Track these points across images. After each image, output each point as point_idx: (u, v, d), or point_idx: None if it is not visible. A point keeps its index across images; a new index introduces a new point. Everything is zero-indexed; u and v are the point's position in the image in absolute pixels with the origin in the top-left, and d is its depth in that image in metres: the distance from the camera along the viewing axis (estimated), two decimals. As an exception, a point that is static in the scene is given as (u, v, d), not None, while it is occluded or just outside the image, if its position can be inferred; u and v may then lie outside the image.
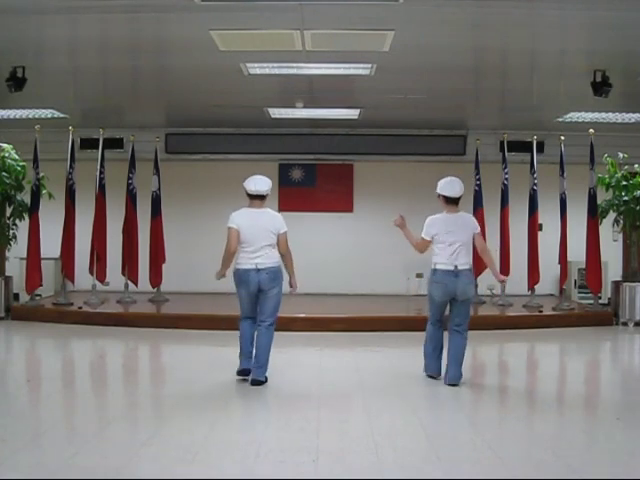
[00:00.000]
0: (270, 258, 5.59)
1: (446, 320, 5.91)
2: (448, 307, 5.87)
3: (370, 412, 4.94)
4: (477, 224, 5.89)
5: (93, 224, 9.93)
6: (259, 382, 5.59)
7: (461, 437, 4.38)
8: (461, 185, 5.84)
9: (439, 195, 5.84)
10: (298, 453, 3.95)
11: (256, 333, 5.75)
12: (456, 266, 5.62)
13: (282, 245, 5.66)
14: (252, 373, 5.64)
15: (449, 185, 5.81)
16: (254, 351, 5.70)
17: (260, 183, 5.69)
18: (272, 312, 5.71)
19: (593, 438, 4.48)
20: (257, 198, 5.68)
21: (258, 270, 5.54)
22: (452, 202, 5.79)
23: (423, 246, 5.82)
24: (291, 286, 5.87)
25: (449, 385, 5.67)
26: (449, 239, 5.66)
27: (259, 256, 5.55)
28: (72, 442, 4.19)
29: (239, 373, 5.73)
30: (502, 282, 6.15)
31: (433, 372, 5.93)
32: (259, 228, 5.59)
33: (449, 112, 10.57)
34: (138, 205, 10.33)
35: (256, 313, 5.75)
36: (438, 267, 5.68)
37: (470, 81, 8.77)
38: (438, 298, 5.75)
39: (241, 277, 5.61)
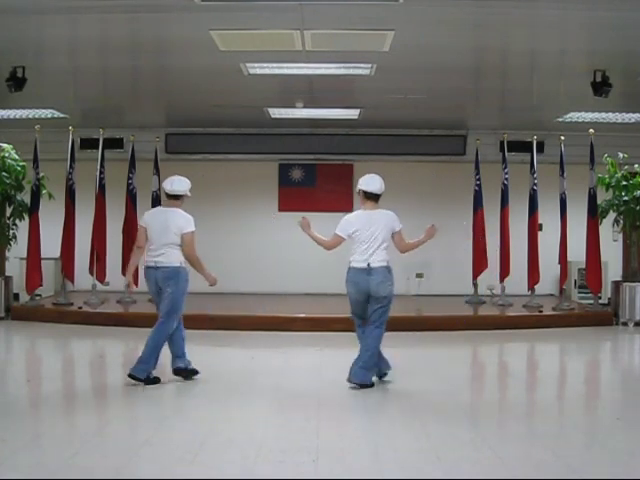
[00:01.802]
0: (169, 257, 5.62)
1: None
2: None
3: (370, 412, 4.94)
4: (398, 223, 5.66)
5: (93, 224, 9.94)
6: (135, 377, 5.56)
7: (461, 437, 4.37)
8: (382, 182, 5.72)
9: (359, 191, 5.73)
10: (298, 453, 3.94)
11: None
12: (369, 264, 5.51)
13: (185, 246, 5.63)
14: (132, 368, 5.60)
15: (370, 181, 5.71)
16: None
17: (176, 183, 5.78)
18: (167, 311, 5.66)
19: (593, 438, 4.47)
20: (172, 198, 5.77)
21: (157, 268, 5.63)
22: (372, 198, 5.69)
23: (334, 243, 5.69)
24: (210, 282, 5.85)
25: (349, 382, 5.49)
26: (363, 236, 5.55)
27: (159, 255, 5.62)
28: (72, 442, 4.19)
29: (174, 372, 5.79)
30: (432, 230, 5.75)
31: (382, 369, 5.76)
32: (163, 227, 5.64)
33: (449, 112, 10.57)
34: (138, 205, 10.32)
35: None
36: (352, 265, 5.58)
37: (470, 81, 8.78)
38: (352, 296, 5.62)
39: (145, 274, 5.75)
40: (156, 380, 5.68)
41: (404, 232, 5.68)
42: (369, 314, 5.64)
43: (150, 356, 5.62)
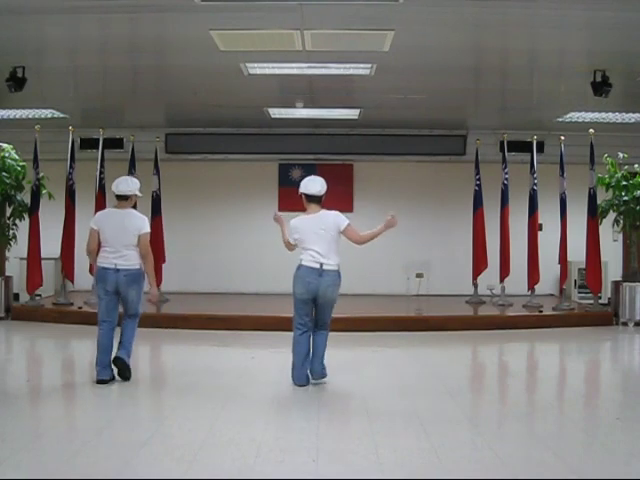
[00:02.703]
0: (130, 260, 5.64)
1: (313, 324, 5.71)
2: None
3: (370, 412, 4.93)
4: (343, 219, 5.59)
5: (93, 224, 9.93)
6: (121, 360, 5.68)
7: (461, 437, 4.37)
8: (323, 184, 5.64)
9: (300, 194, 5.66)
10: (298, 453, 3.95)
11: (122, 323, 5.84)
12: (322, 265, 5.48)
13: (142, 246, 5.68)
14: (117, 352, 5.71)
15: (311, 183, 5.64)
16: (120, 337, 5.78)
17: (122, 184, 5.80)
18: (135, 308, 5.79)
19: (593, 438, 4.47)
20: (121, 199, 5.79)
21: (117, 270, 5.62)
22: (313, 200, 5.62)
23: (289, 247, 5.75)
24: (151, 296, 5.86)
25: (313, 380, 5.63)
26: (311, 239, 5.51)
27: (118, 257, 5.62)
28: (72, 442, 4.19)
29: (98, 383, 5.68)
30: (392, 221, 5.52)
31: (303, 382, 5.64)
32: (119, 229, 5.65)
33: (449, 112, 10.57)
34: (138, 205, 10.31)
35: (113, 317, 5.79)
36: (303, 263, 5.53)
37: (470, 81, 8.78)
38: (299, 295, 5.54)
39: (100, 276, 5.70)
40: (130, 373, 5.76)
41: (353, 226, 5.62)
42: (316, 318, 5.66)
43: (131, 344, 5.77)
